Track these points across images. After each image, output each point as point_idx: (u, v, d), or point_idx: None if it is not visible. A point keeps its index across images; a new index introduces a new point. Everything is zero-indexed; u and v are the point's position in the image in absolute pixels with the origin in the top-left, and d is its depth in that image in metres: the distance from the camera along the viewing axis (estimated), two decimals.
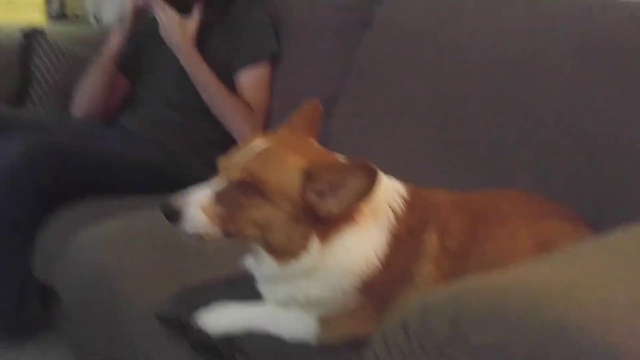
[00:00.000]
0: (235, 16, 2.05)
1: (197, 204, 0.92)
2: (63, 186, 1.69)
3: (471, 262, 0.97)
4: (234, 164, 0.94)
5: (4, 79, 2.24)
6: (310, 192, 0.91)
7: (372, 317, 0.95)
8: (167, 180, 1.85)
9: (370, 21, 1.85)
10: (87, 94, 2.12)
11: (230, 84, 2.00)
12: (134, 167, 1.84)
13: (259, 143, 0.96)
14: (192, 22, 1.98)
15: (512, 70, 1.42)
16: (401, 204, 0.98)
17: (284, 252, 0.94)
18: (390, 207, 0.97)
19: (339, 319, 0.97)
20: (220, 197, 0.93)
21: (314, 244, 0.93)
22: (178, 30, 1.94)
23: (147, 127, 2.01)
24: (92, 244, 1.39)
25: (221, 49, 2.02)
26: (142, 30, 2.11)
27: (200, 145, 2.00)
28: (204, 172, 1.98)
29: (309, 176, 0.91)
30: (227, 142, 2.04)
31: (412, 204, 0.99)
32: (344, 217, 0.93)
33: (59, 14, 3.68)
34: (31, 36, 2.26)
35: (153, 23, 2.01)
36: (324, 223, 0.93)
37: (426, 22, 1.67)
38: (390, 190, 0.99)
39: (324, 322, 0.98)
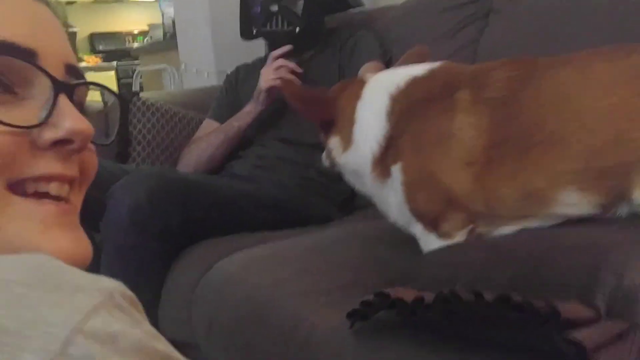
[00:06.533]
0: (343, 40, 2.01)
1: None
2: (191, 225, 1.54)
3: (525, 104, 0.94)
4: None
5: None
6: None
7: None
8: (289, 217, 1.73)
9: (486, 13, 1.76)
10: (204, 157, 2.06)
11: None
12: (259, 205, 1.71)
13: None
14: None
15: None
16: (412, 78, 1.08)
17: None
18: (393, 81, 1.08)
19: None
20: None
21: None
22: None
23: (261, 166, 1.90)
24: (239, 268, 1.23)
25: (329, 71, 1.98)
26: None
27: (317, 181, 1.87)
28: (324, 208, 1.85)
29: None
30: None
31: (434, 75, 1.07)
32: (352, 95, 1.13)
33: None
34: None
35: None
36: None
37: None
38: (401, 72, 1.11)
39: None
